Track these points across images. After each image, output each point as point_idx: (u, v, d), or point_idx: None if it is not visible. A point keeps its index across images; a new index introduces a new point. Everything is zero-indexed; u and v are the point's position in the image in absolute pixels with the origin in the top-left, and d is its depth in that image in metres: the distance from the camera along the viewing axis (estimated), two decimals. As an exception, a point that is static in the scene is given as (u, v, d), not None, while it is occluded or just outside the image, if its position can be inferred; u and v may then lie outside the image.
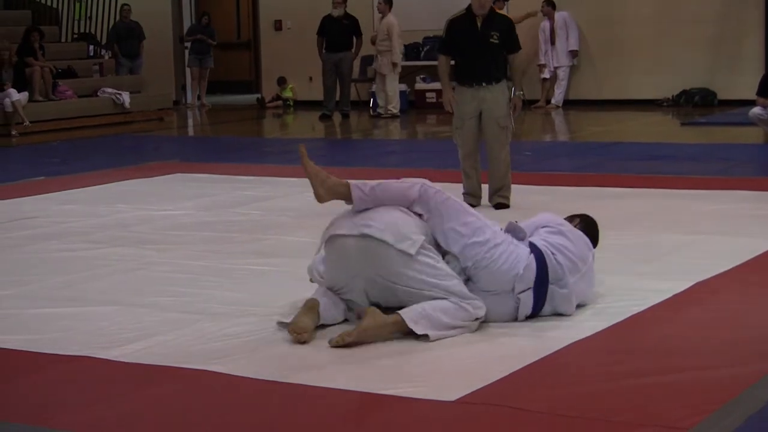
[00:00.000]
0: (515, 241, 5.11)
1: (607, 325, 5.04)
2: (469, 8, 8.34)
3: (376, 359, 4.63)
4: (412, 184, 5.10)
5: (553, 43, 17.43)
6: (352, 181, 5.14)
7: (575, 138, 14.60)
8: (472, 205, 8.08)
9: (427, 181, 5.15)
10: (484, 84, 8.28)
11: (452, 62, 8.65)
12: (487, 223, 5.13)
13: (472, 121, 8.37)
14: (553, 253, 5.06)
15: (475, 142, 8.46)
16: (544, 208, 8.07)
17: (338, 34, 16.48)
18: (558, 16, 17.38)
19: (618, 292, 5.52)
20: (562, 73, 17.65)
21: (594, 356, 4.66)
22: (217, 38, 19.98)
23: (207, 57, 19.62)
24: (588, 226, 5.52)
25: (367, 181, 5.21)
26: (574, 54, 17.65)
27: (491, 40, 8.23)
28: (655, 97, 17.21)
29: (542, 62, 17.56)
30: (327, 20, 16.58)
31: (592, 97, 17.80)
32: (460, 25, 8.37)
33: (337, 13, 16.43)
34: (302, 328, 4.89)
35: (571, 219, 5.52)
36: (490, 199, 8.44)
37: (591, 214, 7.87)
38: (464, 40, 8.34)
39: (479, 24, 8.26)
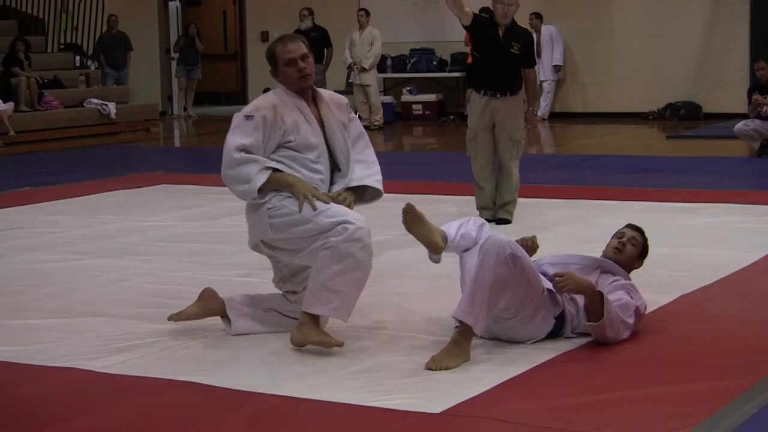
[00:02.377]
0: (546, 307, 4.93)
1: (593, 337, 5.06)
2: (491, 14, 8.19)
3: (363, 371, 4.64)
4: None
5: (539, 56, 17.47)
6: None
7: (561, 151, 14.65)
8: (489, 220, 8.04)
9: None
10: (498, 95, 8.13)
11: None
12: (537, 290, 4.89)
13: (485, 133, 8.23)
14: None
15: (489, 155, 8.29)
16: (531, 222, 8.16)
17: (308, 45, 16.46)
18: (545, 30, 17.43)
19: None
20: (548, 86, 17.72)
21: (579, 368, 4.66)
22: (204, 49, 19.97)
23: (195, 68, 19.63)
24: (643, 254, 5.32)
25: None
26: (557, 68, 17.72)
27: (512, 50, 8.09)
28: (640, 111, 17.29)
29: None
30: (297, 33, 16.66)
31: (577, 110, 17.86)
32: (485, 25, 8.20)
33: (304, 26, 16.48)
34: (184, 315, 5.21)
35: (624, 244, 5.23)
36: (495, 210, 8.32)
37: (577, 227, 7.98)
38: (485, 43, 8.19)
39: (501, 33, 8.10)
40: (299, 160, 5.13)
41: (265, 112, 5.11)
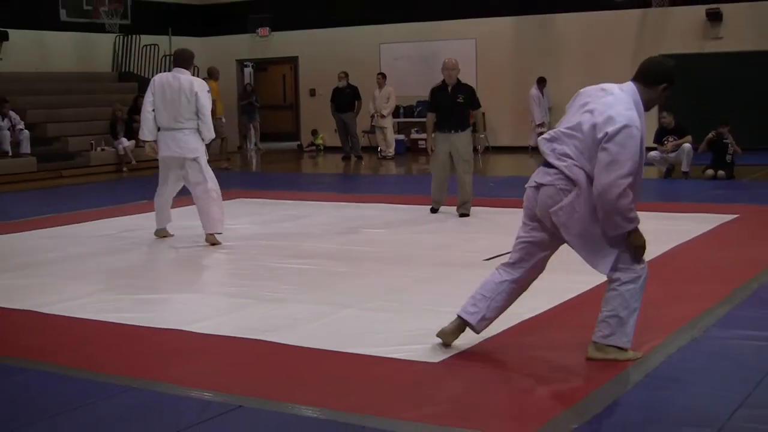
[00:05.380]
0: None
1: (550, 306, 5.03)
2: (443, 80, 8.81)
3: (385, 331, 4.62)
4: None
5: (539, 105, 16.68)
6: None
7: (529, 174, 14.53)
8: (435, 210, 8.95)
9: None
10: (453, 131, 8.69)
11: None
12: None
13: (444, 156, 8.78)
14: None
15: (443, 171, 8.85)
16: (499, 224, 8.13)
17: (343, 99, 16.70)
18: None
19: (560, 282, 5.52)
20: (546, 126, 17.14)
21: (539, 334, 4.64)
22: (268, 102, 19.96)
23: (254, 114, 19.65)
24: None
25: None
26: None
27: (458, 100, 8.69)
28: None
29: (539, 122, 16.60)
30: (336, 90, 16.87)
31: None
32: (439, 91, 8.85)
33: (341, 84, 16.73)
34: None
35: None
36: (458, 209, 8.78)
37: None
38: (441, 101, 8.77)
39: (450, 90, 8.71)
40: None
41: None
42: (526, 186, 4.13)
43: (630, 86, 3.97)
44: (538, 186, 4.01)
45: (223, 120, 15.82)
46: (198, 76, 19.62)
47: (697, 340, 4.34)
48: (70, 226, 8.85)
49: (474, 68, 17.93)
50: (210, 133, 7.55)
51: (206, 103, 7.38)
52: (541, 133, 17.19)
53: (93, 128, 16.27)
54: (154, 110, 7.46)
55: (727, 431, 3.21)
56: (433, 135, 8.90)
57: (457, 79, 8.74)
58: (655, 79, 3.98)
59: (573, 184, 3.87)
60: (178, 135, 7.42)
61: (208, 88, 7.53)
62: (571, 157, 3.88)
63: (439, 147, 8.80)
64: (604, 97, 3.90)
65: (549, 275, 5.83)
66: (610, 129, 3.73)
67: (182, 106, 7.35)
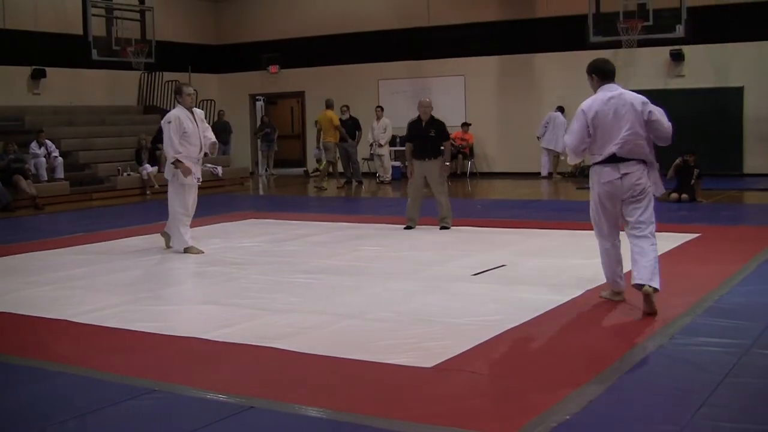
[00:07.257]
0: None
1: (530, 317, 5.04)
2: (419, 116, 9.28)
3: (382, 339, 4.61)
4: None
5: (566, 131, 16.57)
6: None
7: (512, 197, 14.59)
8: (410, 227, 9.25)
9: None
10: (426, 159, 9.17)
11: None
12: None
13: (420, 180, 9.25)
14: None
15: (419, 192, 9.26)
16: (485, 242, 8.14)
17: (345, 129, 16.68)
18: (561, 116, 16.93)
19: (540, 295, 5.53)
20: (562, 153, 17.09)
21: (522, 342, 4.64)
22: (278, 132, 20.04)
23: (272, 143, 19.72)
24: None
25: None
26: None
27: (430, 134, 9.16)
28: (562, 171, 17.23)
29: (557, 149, 16.62)
30: (339, 121, 16.86)
31: (535, 170, 17.84)
32: (415, 124, 9.33)
33: (344, 117, 16.70)
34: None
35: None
36: (438, 223, 9.20)
37: (517, 248, 7.96)
38: (417, 133, 9.25)
39: (424, 124, 9.19)
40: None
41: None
42: (607, 180, 5.06)
43: (615, 86, 5.18)
44: (622, 176, 5.03)
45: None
46: (216, 109, 19.47)
47: (664, 347, 4.35)
48: (100, 244, 8.86)
49: (463, 102, 18.05)
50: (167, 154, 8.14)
51: (165, 133, 8.00)
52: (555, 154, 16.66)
53: (120, 156, 16.33)
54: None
55: (690, 428, 3.22)
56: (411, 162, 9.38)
57: (431, 115, 9.16)
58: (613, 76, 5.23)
59: (647, 166, 5.09)
60: None
61: (167, 120, 7.94)
62: (643, 148, 5.05)
63: (416, 172, 9.26)
64: (621, 96, 5.09)
65: (529, 289, 5.84)
66: (648, 105, 5.08)
67: None
